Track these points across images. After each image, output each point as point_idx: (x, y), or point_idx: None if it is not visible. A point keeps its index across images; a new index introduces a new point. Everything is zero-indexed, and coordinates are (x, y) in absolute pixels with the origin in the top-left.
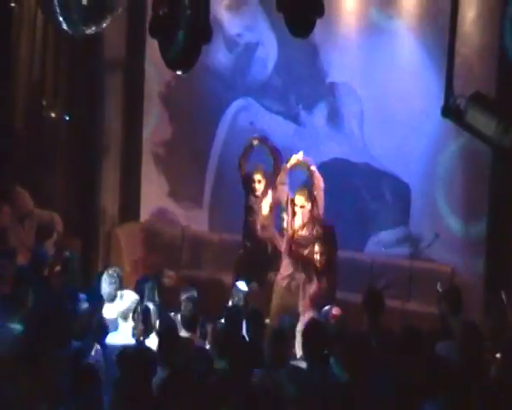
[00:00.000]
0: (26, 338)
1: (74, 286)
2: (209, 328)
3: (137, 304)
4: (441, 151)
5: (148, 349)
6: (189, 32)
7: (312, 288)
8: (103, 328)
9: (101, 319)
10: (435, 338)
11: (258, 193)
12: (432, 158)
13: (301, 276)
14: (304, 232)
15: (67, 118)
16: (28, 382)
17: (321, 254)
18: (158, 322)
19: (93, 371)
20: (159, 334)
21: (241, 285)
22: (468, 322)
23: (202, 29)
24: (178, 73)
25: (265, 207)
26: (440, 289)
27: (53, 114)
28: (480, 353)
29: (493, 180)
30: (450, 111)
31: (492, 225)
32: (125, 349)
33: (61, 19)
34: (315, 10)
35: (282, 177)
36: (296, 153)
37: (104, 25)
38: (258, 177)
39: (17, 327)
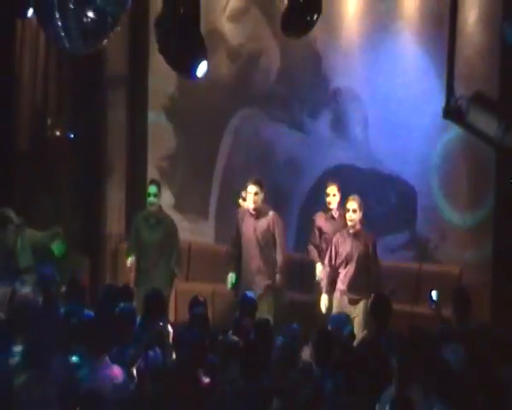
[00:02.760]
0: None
1: None
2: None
3: None
4: (446, 153)
5: None
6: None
7: None
8: None
9: None
10: (441, 341)
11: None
12: (437, 160)
13: None
14: None
15: (72, 136)
16: None
17: None
18: None
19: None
20: None
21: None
22: (478, 325)
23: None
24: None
25: None
26: (436, 298)
27: (57, 133)
28: (486, 357)
29: (498, 180)
30: (451, 112)
31: (498, 223)
32: None
33: (62, 36)
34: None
35: None
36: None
37: (104, 42)
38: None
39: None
